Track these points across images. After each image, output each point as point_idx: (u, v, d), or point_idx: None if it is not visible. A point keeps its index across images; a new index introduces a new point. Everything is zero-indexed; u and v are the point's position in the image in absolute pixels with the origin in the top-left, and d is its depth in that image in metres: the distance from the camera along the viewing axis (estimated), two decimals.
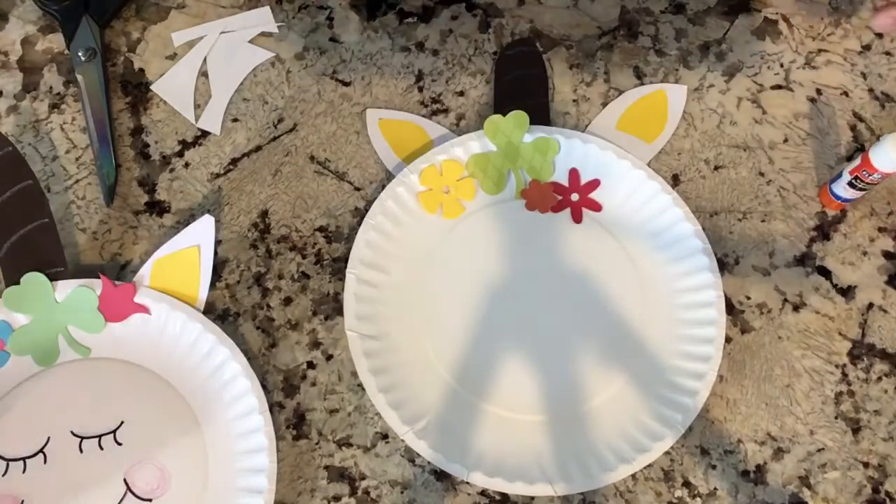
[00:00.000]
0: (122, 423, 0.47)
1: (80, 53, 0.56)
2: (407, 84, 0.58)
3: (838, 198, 0.53)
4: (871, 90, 0.57)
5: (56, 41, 0.58)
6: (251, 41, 0.59)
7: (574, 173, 0.54)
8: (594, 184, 0.54)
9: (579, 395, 0.50)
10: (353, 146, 0.56)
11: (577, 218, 0.54)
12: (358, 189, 0.55)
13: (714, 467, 0.49)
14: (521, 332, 0.51)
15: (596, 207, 0.54)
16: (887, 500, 0.49)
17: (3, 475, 0.46)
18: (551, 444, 0.49)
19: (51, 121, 0.56)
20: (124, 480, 0.46)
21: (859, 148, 0.56)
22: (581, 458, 0.48)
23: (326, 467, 0.50)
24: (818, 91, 0.57)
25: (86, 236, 0.54)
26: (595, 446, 0.49)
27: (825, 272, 0.54)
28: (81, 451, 0.46)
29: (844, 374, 0.52)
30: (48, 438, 0.47)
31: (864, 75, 0.58)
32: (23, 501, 0.45)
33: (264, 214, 0.55)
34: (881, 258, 0.54)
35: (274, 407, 0.50)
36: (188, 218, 0.54)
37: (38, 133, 0.56)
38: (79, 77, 0.56)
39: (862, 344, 0.52)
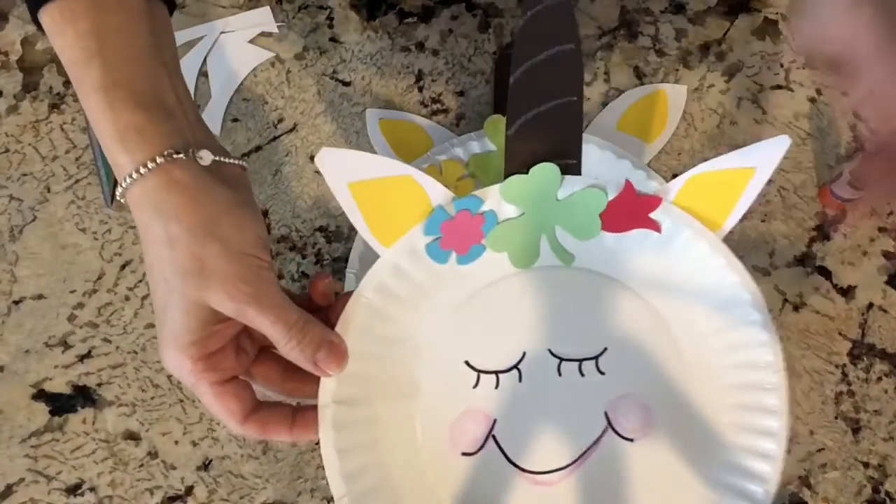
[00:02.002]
0: (606, 349, 0.40)
1: None
2: (407, 84, 0.58)
3: (838, 198, 0.53)
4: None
5: None
6: (251, 41, 0.59)
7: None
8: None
9: None
10: (353, 146, 0.56)
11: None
12: None
13: None
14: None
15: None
16: (887, 500, 0.49)
17: (475, 387, 0.40)
18: None
19: (51, 121, 0.56)
20: (605, 414, 0.40)
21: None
22: None
23: None
24: (818, 91, 0.57)
25: (86, 236, 0.54)
26: None
27: (825, 272, 0.54)
28: (560, 373, 0.40)
29: (844, 374, 0.52)
30: (523, 354, 0.40)
31: None
32: (495, 420, 0.40)
33: (264, 214, 0.55)
34: (881, 258, 0.54)
35: None
36: None
37: (38, 133, 0.56)
38: None
39: (862, 344, 0.52)
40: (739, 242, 0.54)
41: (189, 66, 0.58)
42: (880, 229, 0.54)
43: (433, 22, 0.59)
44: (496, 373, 0.40)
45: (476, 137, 0.54)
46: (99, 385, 0.52)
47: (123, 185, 0.33)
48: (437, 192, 0.38)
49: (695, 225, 0.39)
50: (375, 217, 0.38)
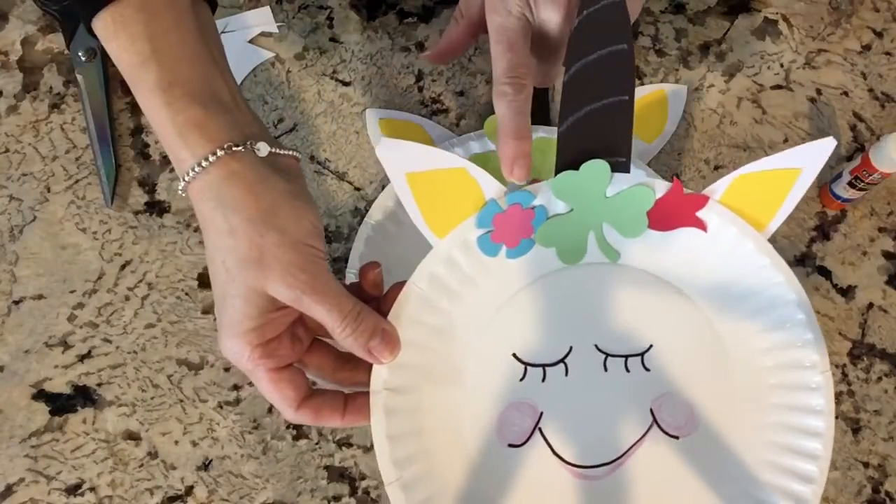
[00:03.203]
0: (651, 346, 0.41)
1: (80, 53, 0.56)
2: (407, 84, 0.58)
3: (838, 198, 0.53)
4: (871, 90, 0.57)
5: (56, 41, 0.58)
6: (251, 41, 0.59)
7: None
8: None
9: None
10: (353, 146, 0.56)
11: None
12: (358, 189, 0.55)
13: None
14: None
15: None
16: (887, 500, 0.49)
17: (521, 380, 0.40)
18: None
19: (51, 121, 0.56)
20: (650, 411, 0.40)
21: (859, 148, 0.56)
22: None
23: (326, 467, 0.50)
24: (818, 91, 0.57)
25: (86, 236, 0.54)
26: None
27: (825, 272, 0.54)
28: (606, 369, 0.40)
29: (844, 374, 0.52)
30: (570, 348, 0.41)
31: (864, 75, 0.58)
32: (542, 414, 0.40)
33: None
34: (881, 258, 0.54)
35: (273, 407, 0.50)
36: (188, 218, 0.54)
37: (38, 133, 0.56)
38: (79, 77, 0.56)
39: (862, 344, 0.52)
40: None
41: None
42: (880, 229, 0.54)
43: (433, 22, 0.59)
44: (543, 366, 0.40)
45: (476, 137, 0.54)
46: (99, 385, 0.52)
47: (186, 179, 0.34)
48: (489, 186, 0.39)
49: (740, 224, 0.40)
50: (430, 208, 0.39)
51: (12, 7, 0.59)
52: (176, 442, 0.51)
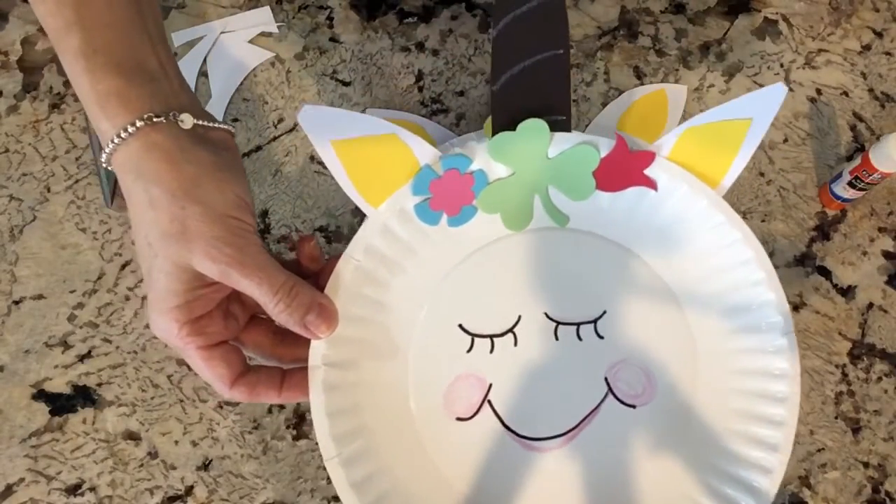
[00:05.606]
0: (605, 312, 0.39)
1: None
2: (407, 84, 0.58)
3: (838, 198, 0.53)
4: (871, 90, 0.57)
5: None
6: (251, 41, 0.59)
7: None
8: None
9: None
10: None
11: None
12: None
13: None
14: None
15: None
16: (887, 500, 0.49)
17: (469, 351, 0.39)
18: None
19: (51, 121, 0.56)
20: (605, 380, 0.39)
21: (859, 148, 0.56)
22: None
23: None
24: (818, 91, 0.57)
25: (86, 236, 0.54)
26: None
27: (825, 272, 0.54)
28: (557, 338, 0.39)
29: (844, 374, 0.52)
30: (518, 317, 0.39)
31: (864, 75, 0.58)
32: (490, 385, 0.39)
33: (264, 214, 0.55)
34: (881, 258, 0.54)
35: (273, 407, 0.50)
36: None
37: (38, 133, 0.56)
38: None
39: (862, 344, 0.52)
40: None
41: (189, 66, 0.58)
42: (880, 229, 0.54)
43: (433, 22, 0.59)
44: (491, 337, 0.39)
45: (476, 137, 0.54)
46: (99, 385, 0.52)
47: (107, 150, 0.33)
48: (423, 151, 0.37)
49: (692, 181, 0.37)
50: (362, 177, 0.37)
51: (12, 7, 0.59)
52: (176, 442, 0.51)
